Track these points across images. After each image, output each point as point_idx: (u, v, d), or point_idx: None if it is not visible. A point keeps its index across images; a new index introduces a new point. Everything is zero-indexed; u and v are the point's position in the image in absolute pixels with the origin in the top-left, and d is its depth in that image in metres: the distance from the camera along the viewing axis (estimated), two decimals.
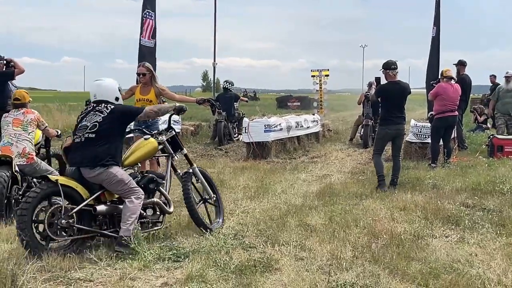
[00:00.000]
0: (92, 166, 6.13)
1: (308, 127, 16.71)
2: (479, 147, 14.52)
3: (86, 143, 6.25)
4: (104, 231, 6.24)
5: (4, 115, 8.35)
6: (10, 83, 12.02)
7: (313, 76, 20.94)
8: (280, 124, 14.79)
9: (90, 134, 6.24)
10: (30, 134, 8.05)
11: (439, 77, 12.84)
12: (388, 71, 9.81)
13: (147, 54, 14.64)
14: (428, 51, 15.30)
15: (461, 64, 14.61)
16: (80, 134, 6.32)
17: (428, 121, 13.17)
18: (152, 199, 6.62)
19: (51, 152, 9.28)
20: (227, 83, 17.93)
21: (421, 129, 13.40)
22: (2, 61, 11.14)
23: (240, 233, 6.67)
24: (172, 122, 7.37)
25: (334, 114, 31.19)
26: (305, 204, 8.47)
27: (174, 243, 6.23)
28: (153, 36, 15.07)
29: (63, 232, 5.96)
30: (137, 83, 9.36)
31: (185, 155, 7.32)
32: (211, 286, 5.02)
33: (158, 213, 6.68)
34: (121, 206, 6.25)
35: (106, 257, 5.72)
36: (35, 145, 8.40)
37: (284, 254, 5.86)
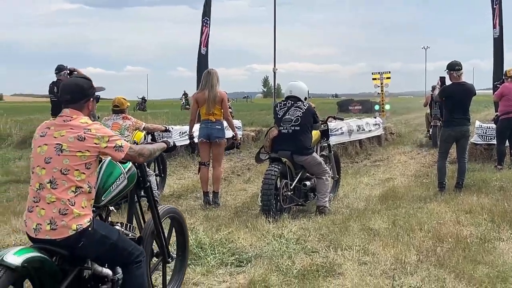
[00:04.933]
0: (301, 154, 7.97)
1: (370, 131, 16.56)
2: None
3: (293, 134, 7.96)
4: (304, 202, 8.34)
5: (104, 118, 8.99)
6: None
7: (374, 79, 20.72)
8: (341, 128, 14.71)
9: (295, 127, 7.96)
10: (125, 138, 8.44)
11: (503, 77, 12.51)
12: (452, 72, 9.59)
13: (204, 63, 14.96)
14: (491, 52, 14.95)
15: None
16: (287, 126, 7.99)
17: (493, 122, 12.84)
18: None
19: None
20: None
21: (486, 131, 13.10)
22: (66, 71, 11.46)
23: (302, 238, 6.65)
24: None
25: (397, 117, 30.78)
26: (367, 208, 8.39)
27: (236, 248, 6.23)
28: (206, 44, 15.36)
29: (287, 201, 7.93)
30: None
31: (328, 145, 9.37)
32: None
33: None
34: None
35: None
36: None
37: (347, 259, 5.81)
